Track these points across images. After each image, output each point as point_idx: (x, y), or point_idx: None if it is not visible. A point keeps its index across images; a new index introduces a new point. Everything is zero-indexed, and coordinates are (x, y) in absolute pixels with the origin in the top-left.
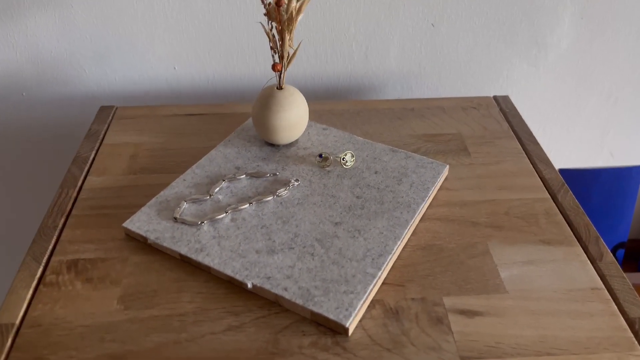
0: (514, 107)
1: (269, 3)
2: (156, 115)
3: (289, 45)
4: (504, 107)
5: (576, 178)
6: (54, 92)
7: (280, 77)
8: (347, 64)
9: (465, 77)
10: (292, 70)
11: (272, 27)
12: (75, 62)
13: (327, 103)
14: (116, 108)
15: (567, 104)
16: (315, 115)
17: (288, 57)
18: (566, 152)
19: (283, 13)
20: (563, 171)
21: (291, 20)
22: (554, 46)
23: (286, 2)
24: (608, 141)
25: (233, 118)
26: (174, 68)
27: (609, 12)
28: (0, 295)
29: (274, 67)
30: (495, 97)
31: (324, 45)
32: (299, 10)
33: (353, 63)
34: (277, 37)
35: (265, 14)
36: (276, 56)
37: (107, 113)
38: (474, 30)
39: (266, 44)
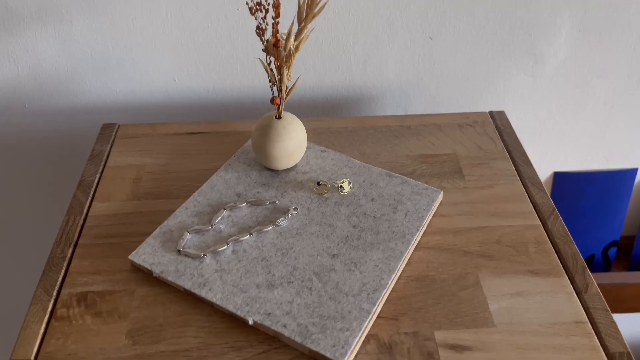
0: (509, 124)
1: (267, 40)
2: (158, 134)
3: (288, 79)
4: (499, 124)
5: (572, 180)
6: (56, 103)
7: (278, 108)
8: (345, 75)
9: (463, 88)
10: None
11: (270, 62)
12: (77, 75)
13: (326, 120)
14: (118, 126)
15: (564, 111)
16: (313, 134)
17: (286, 90)
18: (562, 156)
19: (281, 50)
20: (559, 174)
21: (289, 57)
22: (551, 57)
23: (284, 40)
24: (603, 145)
25: (233, 137)
26: (174, 80)
27: (606, 24)
28: (3, 305)
29: (272, 100)
30: (491, 113)
31: (323, 58)
32: (296, 49)
33: (351, 74)
34: (275, 71)
35: (263, 50)
36: (274, 89)
37: (109, 131)
38: (471, 42)
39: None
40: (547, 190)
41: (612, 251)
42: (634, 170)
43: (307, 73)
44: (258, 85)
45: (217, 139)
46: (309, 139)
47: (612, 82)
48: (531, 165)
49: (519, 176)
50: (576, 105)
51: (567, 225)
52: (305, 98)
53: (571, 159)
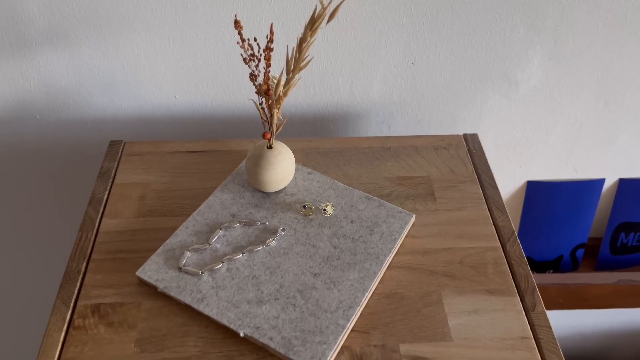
0: (481, 147)
1: (260, 84)
2: (160, 152)
3: (278, 117)
4: (471, 147)
5: (543, 189)
6: (66, 116)
7: (270, 140)
8: (333, 95)
9: (442, 107)
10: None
11: (262, 102)
12: (84, 91)
13: (314, 141)
14: (124, 143)
15: (536, 129)
16: (302, 154)
17: (277, 126)
18: (534, 167)
19: (272, 94)
20: (532, 183)
21: (279, 100)
22: (524, 82)
23: (274, 88)
24: (572, 159)
25: (230, 156)
26: (175, 97)
27: (575, 53)
28: (7, 308)
29: (263, 135)
30: (465, 136)
31: (313, 79)
32: (285, 94)
33: (339, 95)
34: (266, 111)
35: (256, 92)
36: (266, 124)
37: (116, 149)
38: (450, 67)
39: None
40: (521, 197)
41: (580, 252)
42: (602, 181)
43: (298, 93)
44: (252, 103)
45: (214, 157)
46: (298, 159)
47: (580, 105)
48: (497, 189)
49: (485, 199)
50: (548, 124)
51: (538, 229)
52: (297, 115)
53: (543, 169)
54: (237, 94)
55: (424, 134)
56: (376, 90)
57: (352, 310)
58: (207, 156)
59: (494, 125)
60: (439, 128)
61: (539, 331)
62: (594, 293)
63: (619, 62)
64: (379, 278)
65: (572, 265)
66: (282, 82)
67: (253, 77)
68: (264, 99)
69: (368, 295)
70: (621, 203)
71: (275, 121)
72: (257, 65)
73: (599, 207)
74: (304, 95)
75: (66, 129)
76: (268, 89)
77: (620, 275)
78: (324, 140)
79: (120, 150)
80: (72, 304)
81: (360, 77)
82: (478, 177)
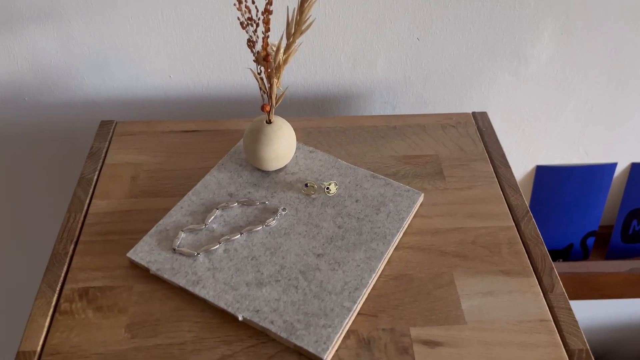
0: (491, 125)
1: (258, 52)
2: (154, 131)
3: (277, 87)
4: (481, 125)
5: (553, 173)
6: (56, 98)
7: (269, 114)
8: (335, 74)
9: (449, 86)
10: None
11: (260, 71)
12: (75, 71)
13: (315, 120)
14: (116, 123)
15: (546, 109)
16: (303, 134)
17: (276, 97)
18: (544, 150)
19: (271, 61)
20: (541, 168)
21: (278, 69)
22: (534, 59)
23: (273, 55)
24: (583, 142)
25: (227, 135)
26: (170, 77)
27: (587, 29)
28: (6, 298)
29: (262, 107)
30: (474, 114)
31: (314, 57)
32: (285, 61)
33: (341, 73)
34: (265, 80)
35: (254, 60)
36: (265, 96)
37: (107, 128)
38: (458, 43)
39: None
40: (529, 182)
41: (590, 240)
42: (613, 165)
43: (299, 71)
44: (251, 81)
45: (210, 137)
46: (299, 139)
47: (591, 83)
48: (509, 167)
49: (497, 178)
50: (558, 104)
51: (548, 216)
52: (297, 95)
53: (553, 153)
54: (235, 73)
55: None
56: (380, 69)
57: (358, 292)
58: (203, 136)
59: (502, 106)
60: (445, 109)
61: (559, 313)
62: (605, 282)
63: (634, 38)
64: (387, 259)
65: (582, 254)
66: (282, 48)
67: (251, 43)
68: (262, 68)
69: (375, 276)
70: (633, 189)
71: (275, 92)
72: (255, 31)
73: (610, 193)
74: (304, 74)
75: (57, 112)
76: (267, 55)
77: (632, 264)
78: (326, 120)
79: (112, 130)
80: (58, 288)
81: (364, 54)
82: (489, 156)
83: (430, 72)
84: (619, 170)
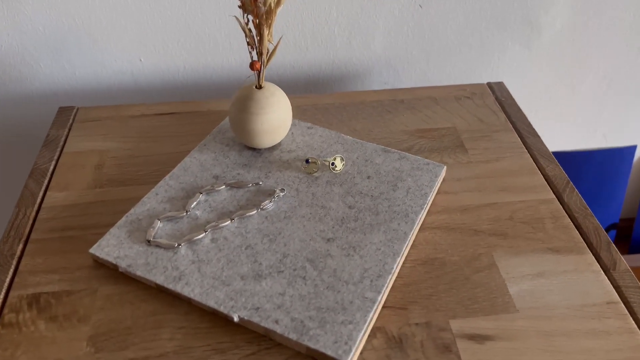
0: (510, 95)
1: None
2: (122, 116)
3: (268, 41)
4: (499, 95)
5: (569, 160)
6: (7, 91)
7: (259, 75)
8: (329, 51)
9: (455, 61)
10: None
11: (248, 20)
12: (29, 57)
13: (310, 97)
14: (77, 109)
15: (561, 86)
16: (298, 112)
17: (267, 53)
18: (559, 135)
19: (260, 5)
20: (555, 154)
21: (270, 13)
22: (548, 26)
23: None
24: (601, 123)
25: (208, 117)
26: (140, 60)
27: None
28: None
29: (252, 65)
30: (489, 84)
31: (304, 32)
32: (278, 2)
33: (335, 50)
34: (254, 32)
35: (240, 6)
36: (254, 52)
37: (67, 115)
38: (464, 11)
39: (242, 32)
40: None
41: (611, 234)
42: (633, 148)
43: (287, 49)
44: (234, 63)
45: (189, 119)
46: (293, 117)
47: (609, 54)
48: (538, 136)
49: (527, 148)
50: (573, 79)
51: None
52: (286, 76)
53: (568, 137)
54: (215, 54)
55: None
56: (378, 43)
57: (382, 279)
58: (181, 118)
59: (513, 81)
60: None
61: (628, 293)
62: None
63: None
64: (411, 241)
65: None
66: None
67: None
68: (250, 17)
69: (400, 261)
70: None
71: (265, 45)
72: None
73: (630, 181)
74: (293, 52)
75: (9, 105)
76: None
77: None
78: (323, 97)
79: (72, 117)
80: (2, 296)
81: (360, 26)
82: (513, 125)
83: (434, 45)
84: (638, 154)
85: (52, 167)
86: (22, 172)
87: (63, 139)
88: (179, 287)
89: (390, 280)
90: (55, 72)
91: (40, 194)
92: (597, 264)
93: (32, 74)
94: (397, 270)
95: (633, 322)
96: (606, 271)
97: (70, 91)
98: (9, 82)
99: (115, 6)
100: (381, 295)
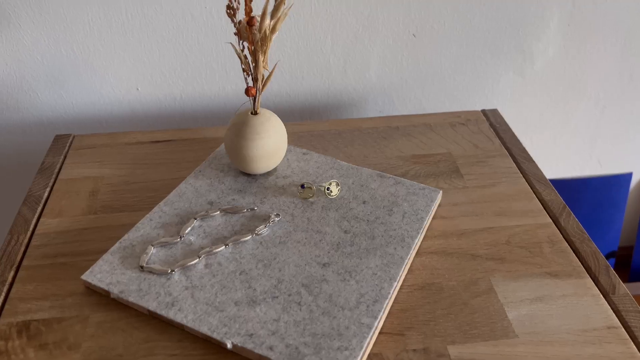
0: (505, 122)
1: (240, 21)
2: (118, 143)
3: (264, 67)
4: (493, 121)
5: (564, 188)
6: (3, 118)
7: (254, 101)
8: (324, 79)
9: (449, 89)
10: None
11: (243, 47)
12: (27, 85)
13: (306, 124)
14: (73, 137)
15: (555, 112)
16: (293, 138)
17: (263, 79)
18: (554, 162)
19: (255, 32)
20: (550, 181)
21: (265, 40)
22: (540, 54)
23: (258, 21)
24: (596, 149)
25: (204, 144)
26: (137, 89)
27: (596, 18)
28: None
29: (247, 91)
30: (484, 111)
31: (299, 60)
32: (273, 29)
33: (331, 78)
34: (249, 58)
35: (235, 33)
36: (249, 79)
37: (62, 143)
38: (457, 39)
39: (238, 60)
40: None
41: (611, 263)
42: (629, 175)
43: (283, 78)
44: (230, 92)
45: (184, 147)
46: (289, 143)
47: (602, 80)
48: (533, 161)
49: (522, 173)
50: (567, 105)
51: None
52: (282, 105)
53: (563, 164)
54: (212, 83)
55: None
56: (373, 71)
57: (378, 304)
58: (176, 145)
59: (508, 111)
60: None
61: (629, 317)
62: None
63: None
64: (408, 266)
65: None
66: (269, 13)
67: (231, 10)
68: (246, 43)
69: (397, 286)
70: None
71: (260, 71)
72: None
73: (627, 208)
74: (289, 80)
75: (5, 132)
76: (251, 19)
77: None
78: (318, 123)
79: (68, 144)
80: None
81: (355, 55)
82: (508, 151)
83: (429, 74)
84: (635, 180)
85: (46, 194)
86: (17, 199)
87: (58, 166)
88: (171, 314)
89: (387, 305)
90: (53, 101)
91: (34, 220)
92: (596, 288)
93: (29, 102)
94: (394, 296)
95: (634, 346)
96: (605, 295)
97: (67, 119)
98: (5, 110)
99: (114, 36)
100: (378, 320)
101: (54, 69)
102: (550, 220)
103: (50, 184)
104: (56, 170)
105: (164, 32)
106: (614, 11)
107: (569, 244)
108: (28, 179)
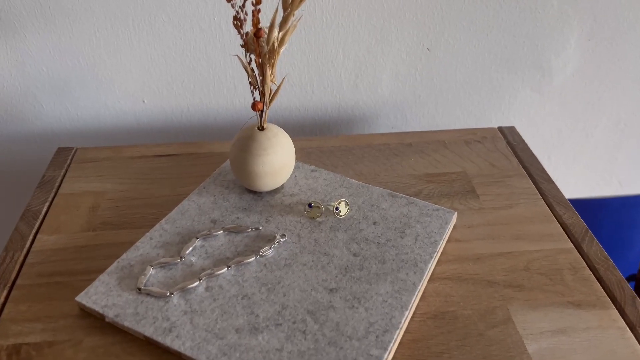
0: (522, 140)
1: (247, 33)
2: (121, 157)
3: (271, 81)
4: (510, 139)
5: (584, 208)
6: (8, 130)
7: (261, 116)
8: (335, 93)
9: (464, 105)
10: (274, 102)
11: (250, 60)
12: (32, 97)
13: (315, 139)
14: (76, 150)
15: (574, 131)
16: (302, 154)
17: (270, 94)
18: (572, 181)
19: (263, 45)
20: (570, 201)
21: (273, 52)
22: (559, 70)
23: (266, 33)
24: (616, 169)
25: (209, 159)
26: (143, 101)
27: (617, 33)
28: None
29: (254, 105)
30: (500, 129)
31: (310, 74)
32: (281, 42)
33: (342, 93)
34: (256, 71)
35: (242, 46)
36: (256, 92)
37: (65, 156)
38: (473, 54)
39: (246, 73)
40: None
41: (631, 285)
42: None
43: (293, 92)
44: (238, 105)
45: (189, 161)
46: (297, 159)
47: (623, 98)
48: (553, 182)
49: (541, 194)
50: (586, 123)
51: None
52: (291, 120)
53: (582, 184)
54: (219, 96)
55: None
56: (386, 86)
57: (388, 335)
58: (181, 159)
59: (525, 128)
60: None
61: None
62: None
63: None
64: (420, 292)
65: None
66: (277, 25)
67: (238, 22)
68: (253, 56)
69: (408, 314)
70: None
71: (268, 84)
72: (243, 6)
73: None
74: (299, 94)
75: (8, 145)
76: (259, 30)
77: None
78: (328, 139)
79: (70, 158)
80: None
81: (367, 69)
82: (526, 170)
83: (443, 90)
84: None
85: (45, 209)
86: (18, 213)
87: (59, 180)
88: (168, 340)
89: (397, 335)
90: (57, 112)
91: (30, 237)
92: (622, 320)
93: (33, 113)
94: (405, 325)
95: None
96: (632, 328)
97: (72, 131)
98: (10, 121)
99: (120, 48)
100: (388, 352)
101: (59, 80)
102: (572, 246)
103: (50, 199)
104: (56, 185)
105: (170, 44)
106: (637, 27)
107: (592, 272)
108: (30, 191)
